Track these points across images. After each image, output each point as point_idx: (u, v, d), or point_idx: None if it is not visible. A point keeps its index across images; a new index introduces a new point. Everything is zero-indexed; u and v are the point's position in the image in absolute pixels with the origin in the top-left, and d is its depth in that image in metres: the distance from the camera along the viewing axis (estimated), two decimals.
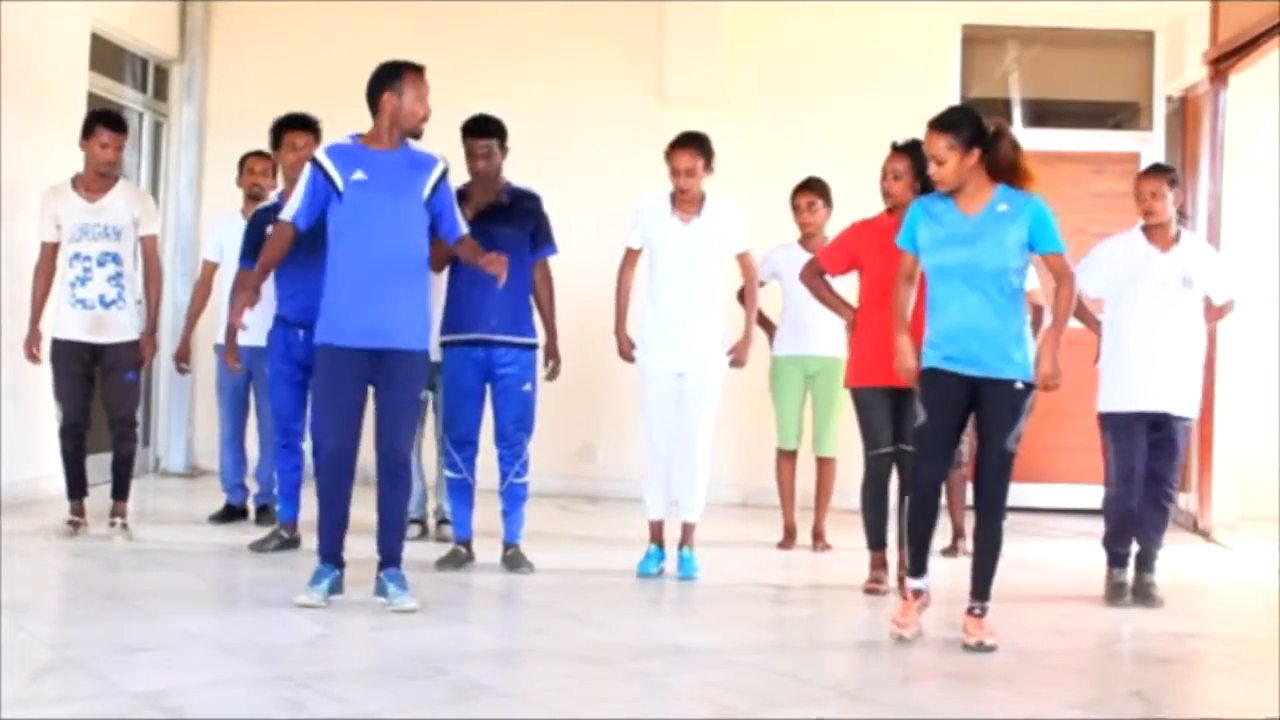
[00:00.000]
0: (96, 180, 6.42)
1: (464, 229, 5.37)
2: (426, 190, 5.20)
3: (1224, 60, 8.08)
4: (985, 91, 9.04)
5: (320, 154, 5.25)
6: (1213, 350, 8.02)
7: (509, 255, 5.46)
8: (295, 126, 6.33)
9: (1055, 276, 4.96)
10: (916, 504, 5.01)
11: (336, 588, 5.17)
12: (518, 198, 6.03)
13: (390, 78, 5.16)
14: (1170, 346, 5.83)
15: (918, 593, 4.98)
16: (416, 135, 5.21)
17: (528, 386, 6.02)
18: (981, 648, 4.79)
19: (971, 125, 4.88)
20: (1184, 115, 8.77)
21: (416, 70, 5.20)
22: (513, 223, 5.91)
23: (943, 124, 4.88)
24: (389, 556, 5.15)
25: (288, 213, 5.29)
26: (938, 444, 4.95)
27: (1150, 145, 8.78)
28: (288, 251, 5.35)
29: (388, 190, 5.14)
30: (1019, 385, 4.86)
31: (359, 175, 5.14)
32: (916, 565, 5.00)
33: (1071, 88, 9.25)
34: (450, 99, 8.55)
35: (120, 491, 6.48)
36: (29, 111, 7.17)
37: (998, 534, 4.92)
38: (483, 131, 6.00)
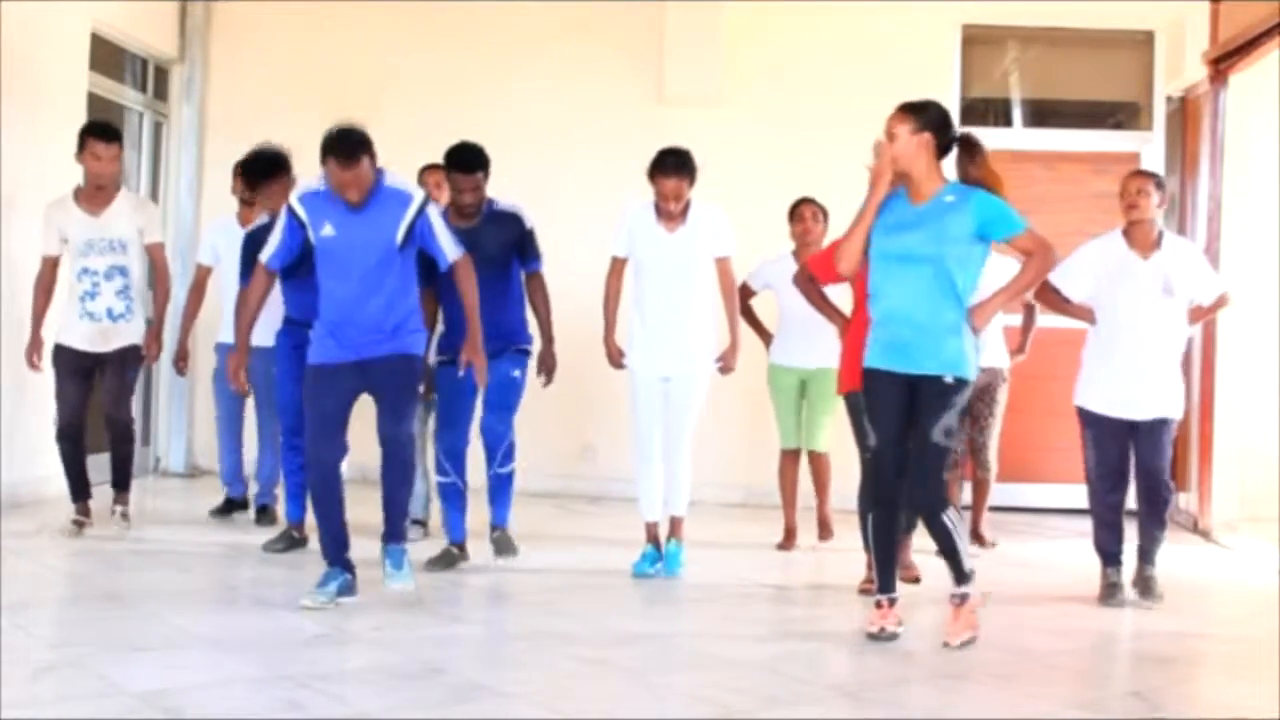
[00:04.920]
0: (97, 193, 6.43)
1: (453, 255, 5.28)
2: (400, 234, 5.13)
3: (1224, 60, 8.08)
4: (985, 91, 9.04)
5: (295, 201, 5.24)
6: (1212, 349, 8.06)
7: (485, 276, 5.47)
8: (264, 178, 6.20)
9: (1026, 255, 4.96)
10: (881, 525, 5.04)
11: (347, 590, 5.18)
12: (497, 219, 6.00)
13: (321, 154, 5.05)
14: (1151, 355, 5.82)
15: (892, 601, 5.02)
16: (378, 195, 5.09)
17: (517, 373, 6.05)
18: (963, 645, 4.83)
19: (927, 111, 4.97)
20: (1184, 115, 8.77)
21: (340, 160, 4.98)
22: (489, 243, 5.84)
23: (905, 106, 5.02)
24: (387, 533, 5.17)
25: (264, 255, 5.34)
26: (891, 463, 4.96)
27: (1150, 145, 8.77)
28: (268, 294, 5.44)
29: (356, 245, 5.12)
30: (948, 380, 4.86)
31: (328, 230, 5.14)
32: (885, 583, 5.05)
33: (1071, 88, 9.25)
34: (450, 99, 8.60)
35: (121, 482, 6.52)
36: (29, 111, 7.17)
37: (943, 528, 4.90)
38: (470, 167, 5.93)
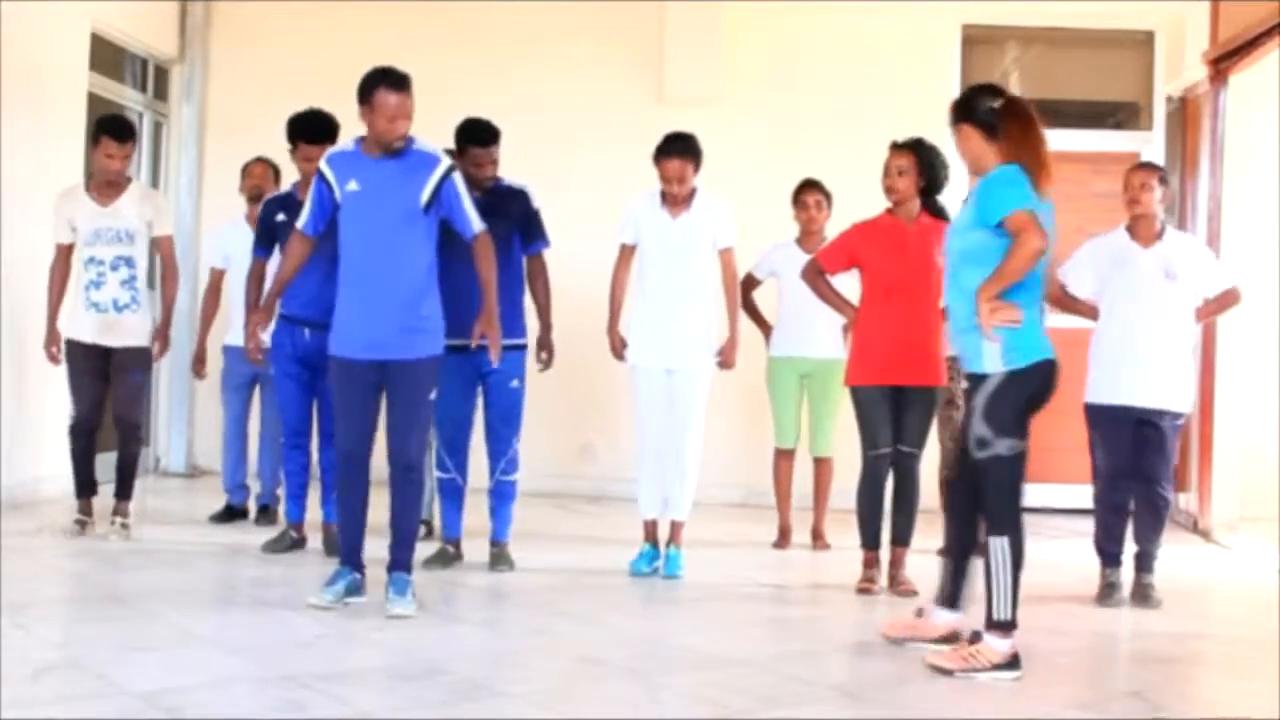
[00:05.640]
0: (107, 186, 6.43)
1: (478, 227, 5.24)
2: (425, 195, 5.10)
3: (1224, 60, 8.09)
4: None
5: (323, 162, 5.25)
6: (1212, 348, 8.06)
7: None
8: (308, 140, 6.14)
9: (1013, 236, 4.48)
10: (953, 502, 4.80)
11: (355, 590, 5.18)
12: (503, 195, 6.00)
13: (365, 91, 5.07)
14: (1156, 341, 5.80)
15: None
16: (390, 151, 5.09)
17: (515, 383, 6.03)
18: (937, 670, 4.52)
19: (957, 103, 4.77)
20: (1184, 115, 8.77)
21: (392, 86, 5.03)
22: (496, 219, 5.76)
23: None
24: (394, 561, 5.15)
25: (300, 222, 5.33)
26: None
27: (1150, 145, 8.78)
28: (305, 260, 5.39)
29: (381, 200, 5.09)
30: (963, 383, 4.62)
31: (353, 186, 5.12)
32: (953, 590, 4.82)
33: (1071, 88, 9.25)
34: (449, 98, 8.57)
35: (123, 492, 6.50)
36: (29, 111, 7.17)
37: (984, 554, 4.53)
38: (487, 141, 5.98)
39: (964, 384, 4.64)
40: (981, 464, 4.55)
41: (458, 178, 5.22)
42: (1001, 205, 4.51)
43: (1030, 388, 4.56)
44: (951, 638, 4.73)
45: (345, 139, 5.42)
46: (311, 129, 6.18)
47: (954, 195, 6.70)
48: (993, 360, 4.54)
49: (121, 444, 6.54)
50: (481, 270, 5.25)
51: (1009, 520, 4.51)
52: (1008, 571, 4.47)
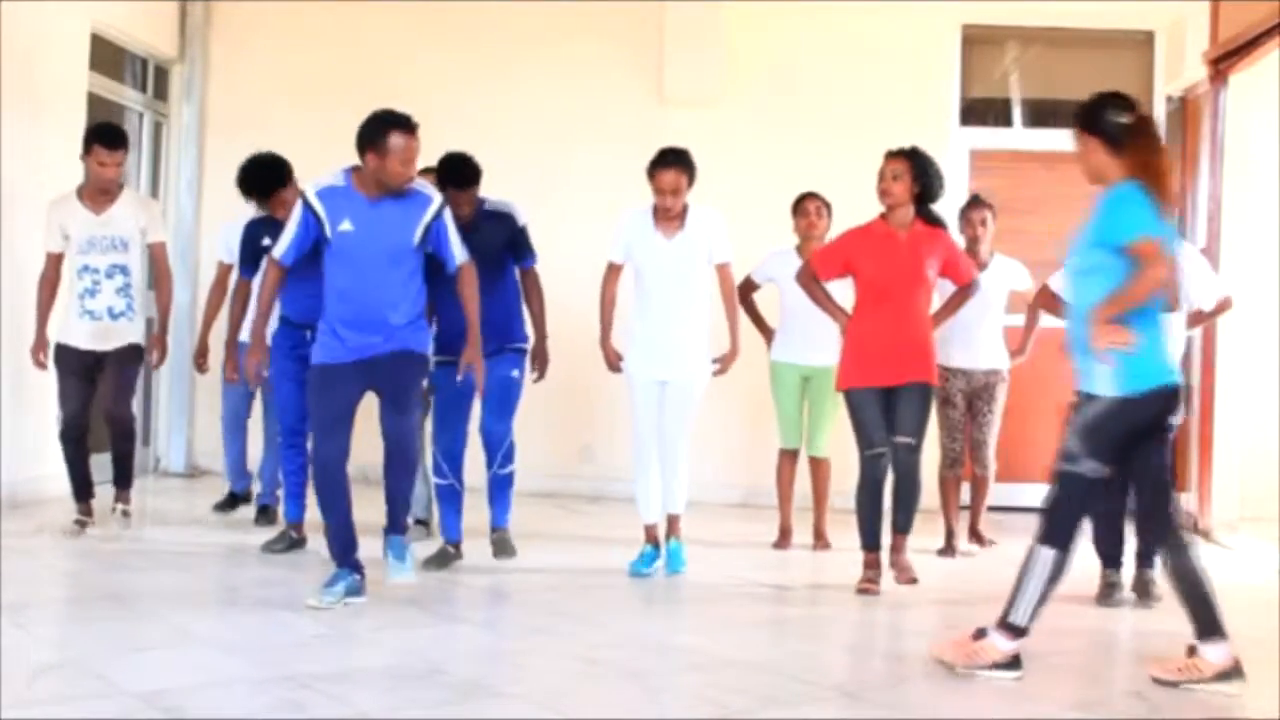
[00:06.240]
0: (100, 194, 6.43)
1: (460, 258, 5.32)
2: (417, 235, 5.16)
3: (1224, 60, 8.08)
4: (985, 91, 9.04)
5: (311, 195, 5.20)
6: (1212, 349, 8.06)
7: (481, 274, 5.49)
8: (263, 193, 6.26)
9: (1138, 262, 4.33)
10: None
11: (355, 591, 5.18)
12: (488, 218, 5.99)
13: (375, 135, 5.05)
14: None
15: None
16: (398, 194, 5.12)
17: (515, 373, 6.05)
18: (938, 663, 4.55)
19: (1081, 111, 4.62)
20: (1184, 115, 8.77)
21: (404, 130, 5.04)
22: (484, 242, 5.79)
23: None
24: (391, 524, 5.19)
25: (277, 250, 5.32)
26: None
27: None
28: (279, 289, 5.42)
29: (375, 242, 5.12)
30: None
31: (346, 226, 5.12)
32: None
33: (1071, 88, 9.18)
34: (450, 99, 8.59)
35: (122, 481, 6.52)
36: (29, 112, 7.17)
37: (1030, 553, 4.46)
38: (466, 183, 5.93)
39: (1073, 397, 4.53)
40: (1059, 474, 4.51)
41: (447, 214, 5.29)
42: (1126, 228, 4.36)
43: (1143, 414, 4.49)
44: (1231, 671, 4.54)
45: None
46: (263, 181, 6.28)
47: (950, 206, 6.72)
48: (1104, 383, 4.45)
49: (114, 441, 6.56)
50: (466, 299, 5.34)
51: (1063, 537, 4.45)
52: (1042, 584, 4.44)
